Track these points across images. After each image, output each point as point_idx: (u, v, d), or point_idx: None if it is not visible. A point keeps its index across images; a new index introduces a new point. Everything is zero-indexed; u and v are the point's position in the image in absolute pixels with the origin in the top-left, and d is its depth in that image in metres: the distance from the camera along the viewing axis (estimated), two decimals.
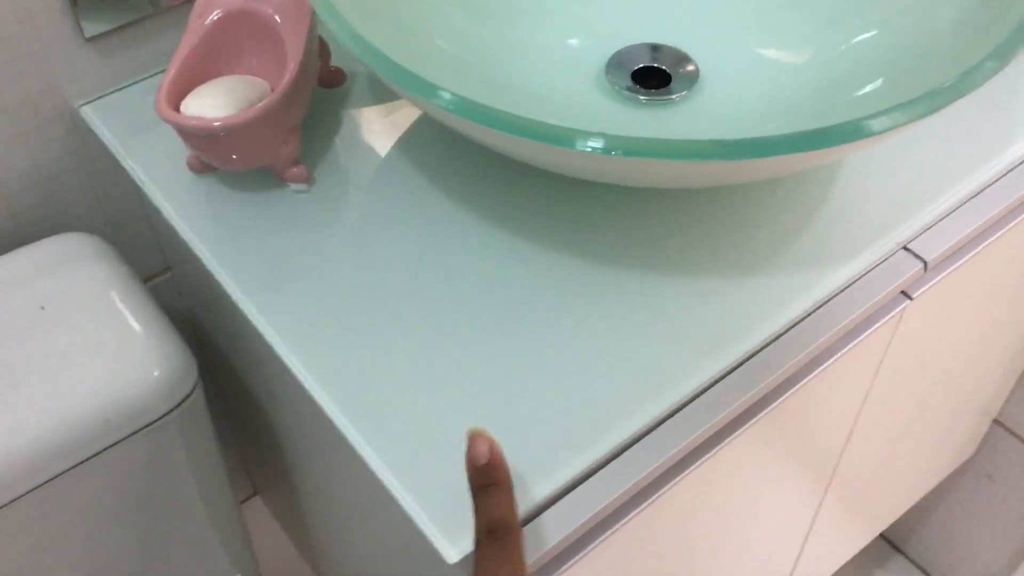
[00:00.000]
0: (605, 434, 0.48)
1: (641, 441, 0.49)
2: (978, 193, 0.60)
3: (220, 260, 0.56)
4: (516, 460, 0.47)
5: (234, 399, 0.81)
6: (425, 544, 0.45)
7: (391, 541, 0.55)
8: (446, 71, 0.56)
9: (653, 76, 0.63)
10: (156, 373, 0.58)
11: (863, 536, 0.96)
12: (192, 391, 0.59)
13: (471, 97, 0.45)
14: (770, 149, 0.44)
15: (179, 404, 0.58)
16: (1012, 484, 1.10)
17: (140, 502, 0.63)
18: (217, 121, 0.53)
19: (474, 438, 0.38)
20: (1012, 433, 1.06)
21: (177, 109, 0.54)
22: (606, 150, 0.43)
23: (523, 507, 0.46)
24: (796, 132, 0.44)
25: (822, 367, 0.56)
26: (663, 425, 0.49)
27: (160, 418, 0.58)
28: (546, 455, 0.47)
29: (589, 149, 0.43)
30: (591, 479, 0.48)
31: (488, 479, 0.36)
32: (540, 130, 0.44)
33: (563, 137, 0.43)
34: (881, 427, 0.75)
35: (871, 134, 0.44)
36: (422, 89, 0.46)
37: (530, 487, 0.46)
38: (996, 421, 1.06)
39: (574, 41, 0.65)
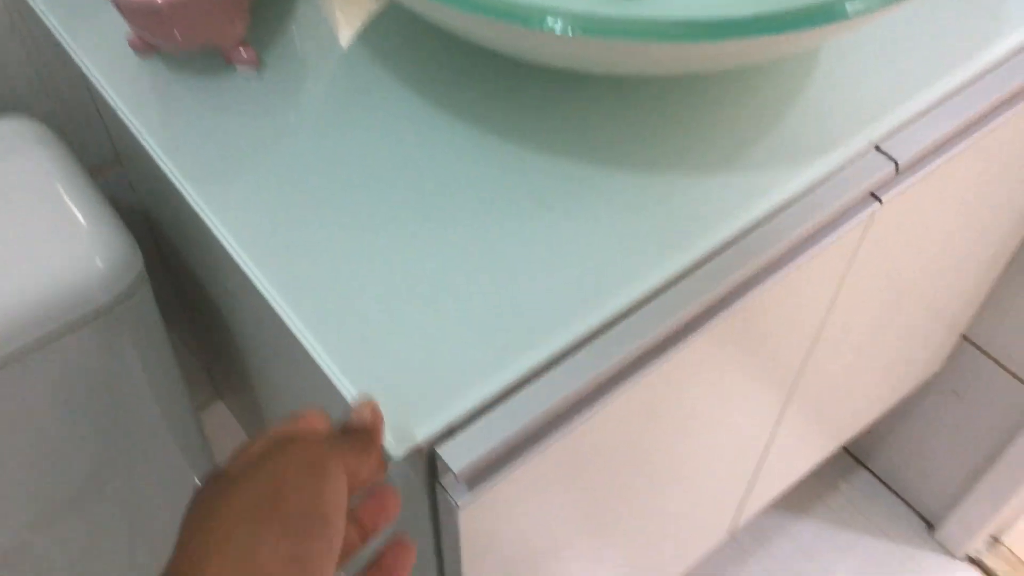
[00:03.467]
0: (561, 331, 0.47)
1: (597, 339, 0.47)
2: (955, 94, 0.58)
3: (164, 147, 0.53)
4: (473, 357, 0.45)
5: (192, 299, 0.79)
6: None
7: None
8: None
9: None
10: (98, 263, 0.56)
11: (825, 447, 0.97)
12: (136, 282, 0.57)
13: None
14: (739, 30, 0.41)
15: (123, 295, 0.57)
16: (978, 401, 1.10)
17: (89, 399, 0.62)
18: None
19: (364, 409, 0.40)
20: (980, 349, 1.06)
21: None
22: (568, 29, 0.40)
23: (478, 398, 0.44)
24: (768, 12, 0.41)
25: (786, 267, 0.55)
26: (619, 324, 0.48)
27: (103, 309, 0.56)
28: (500, 351, 0.46)
29: (555, 29, 0.40)
30: (547, 374, 0.46)
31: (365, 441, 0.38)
32: (505, 8, 0.41)
33: (528, 16, 0.41)
34: (847, 335, 0.74)
35: (846, 16, 0.42)
36: None
37: (483, 381, 0.45)
38: (964, 337, 1.06)
39: None
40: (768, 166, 0.53)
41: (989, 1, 0.62)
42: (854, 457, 1.30)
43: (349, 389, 0.44)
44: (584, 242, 0.50)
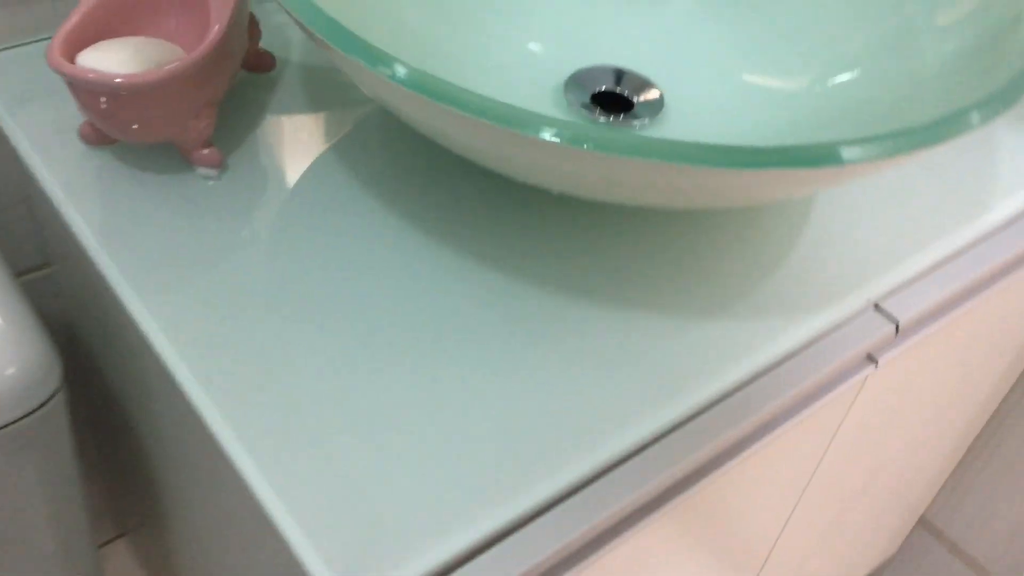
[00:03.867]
0: (524, 491, 0.41)
1: (564, 502, 0.42)
2: (959, 254, 0.55)
3: (105, 246, 0.47)
4: (427, 507, 0.39)
5: (106, 425, 0.71)
6: None
7: None
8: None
9: (614, 102, 0.58)
10: (11, 371, 0.49)
11: None
12: (52, 397, 0.50)
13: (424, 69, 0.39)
14: (749, 160, 0.38)
15: (35, 410, 0.49)
16: None
17: None
18: (119, 78, 0.45)
19: None
20: (935, 533, 1.02)
21: (73, 62, 0.46)
22: (576, 141, 0.36)
23: (441, 557, 0.38)
24: (775, 146, 0.38)
25: (775, 431, 0.51)
26: (588, 487, 0.42)
27: (10, 423, 0.49)
28: (465, 507, 0.40)
29: (557, 139, 0.37)
30: (503, 543, 0.40)
31: None
32: (504, 112, 0.37)
33: (530, 122, 0.37)
34: (818, 510, 0.70)
35: (846, 161, 0.39)
36: (373, 57, 0.39)
37: (447, 538, 0.38)
38: (922, 520, 1.02)
39: (535, 47, 0.59)
40: (763, 317, 0.49)
41: (997, 162, 0.61)
42: None
43: (296, 533, 0.38)
44: (560, 388, 0.45)
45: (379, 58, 0.39)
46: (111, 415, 0.68)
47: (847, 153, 0.39)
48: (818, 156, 0.39)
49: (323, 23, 0.40)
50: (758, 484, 0.55)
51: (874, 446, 0.68)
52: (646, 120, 0.57)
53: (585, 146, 0.36)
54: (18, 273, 0.67)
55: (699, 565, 0.59)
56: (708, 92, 0.58)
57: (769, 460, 0.53)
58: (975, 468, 0.94)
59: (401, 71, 0.39)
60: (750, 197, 0.42)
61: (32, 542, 0.57)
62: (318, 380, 0.43)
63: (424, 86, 0.38)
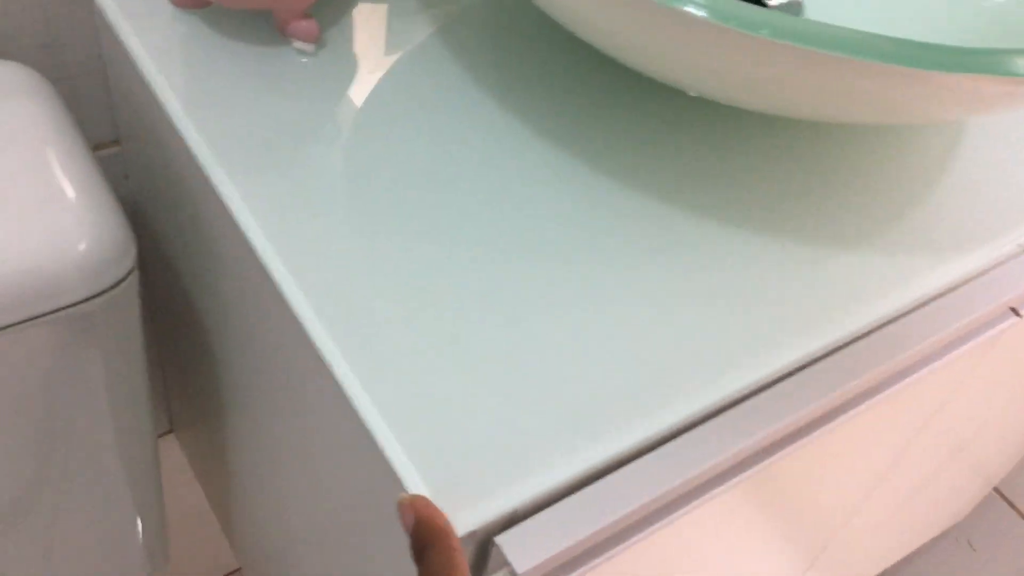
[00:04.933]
0: (654, 416, 0.37)
1: (679, 437, 0.38)
2: None
3: (193, 118, 0.43)
4: (530, 434, 0.35)
5: (167, 316, 0.68)
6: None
7: (351, 505, 0.43)
8: None
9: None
10: (82, 246, 0.45)
11: None
12: (125, 278, 0.47)
13: None
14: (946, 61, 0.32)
15: (106, 290, 0.46)
16: (991, 552, 1.01)
17: (38, 406, 0.50)
18: None
19: (399, 507, 0.32)
20: (1008, 501, 0.98)
21: None
22: (754, 27, 0.31)
23: (530, 493, 0.34)
24: (973, 48, 0.33)
25: (901, 381, 0.46)
26: (720, 415, 0.38)
27: (79, 302, 0.46)
28: (577, 432, 0.36)
29: (731, 24, 0.31)
30: (617, 473, 0.36)
31: (423, 541, 0.31)
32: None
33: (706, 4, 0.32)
34: (905, 473, 0.65)
35: None
36: None
37: (555, 464, 0.35)
38: (996, 489, 0.97)
39: None
40: (901, 255, 0.44)
41: None
42: None
43: (397, 452, 0.34)
44: (689, 311, 0.40)
45: None
46: (173, 306, 0.65)
47: None
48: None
49: None
50: (860, 441, 0.51)
51: (980, 410, 0.63)
52: None
53: (764, 32, 0.31)
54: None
55: (790, 511, 0.55)
56: (853, 4, 0.52)
57: (881, 416, 0.49)
58: None
59: None
60: (932, 111, 0.37)
61: (92, 430, 0.55)
62: (421, 284, 0.39)
63: None
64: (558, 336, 0.38)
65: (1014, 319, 0.48)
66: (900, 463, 0.61)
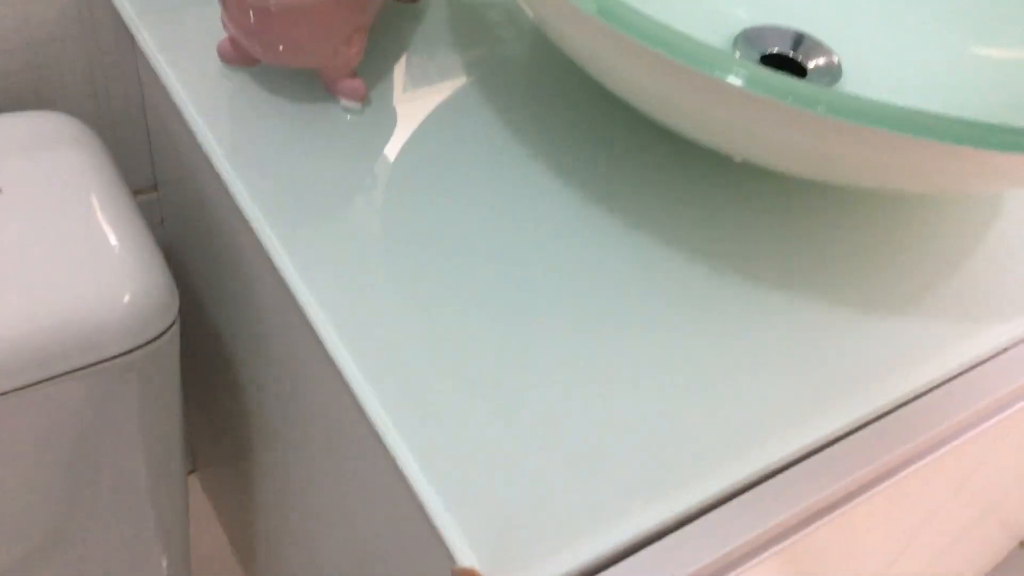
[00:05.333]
0: (700, 482, 0.37)
1: (721, 507, 0.38)
2: None
3: (239, 171, 0.44)
4: (577, 502, 0.35)
5: (197, 358, 0.68)
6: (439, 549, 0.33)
7: (389, 565, 0.43)
8: None
9: (784, 66, 0.53)
10: (127, 298, 0.46)
11: None
12: (167, 330, 0.47)
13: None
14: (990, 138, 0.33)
15: (149, 342, 0.46)
16: None
17: (74, 449, 0.51)
18: None
19: None
20: None
21: None
22: (811, 102, 0.32)
23: (594, 553, 0.34)
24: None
25: (928, 457, 0.46)
26: (768, 482, 0.38)
27: (121, 354, 0.46)
28: (624, 498, 0.36)
29: (792, 102, 0.32)
30: (661, 542, 0.36)
31: None
32: (703, 54, 0.33)
33: (759, 80, 0.32)
34: (938, 536, 0.65)
35: None
36: None
37: (603, 531, 0.35)
38: (1022, 543, 0.96)
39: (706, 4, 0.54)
40: (938, 324, 0.44)
41: None
42: None
43: (448, 524, 0.34)
44: (735, 377, 0.40)
45: None
46: (205, 350, 0.65)
47: None
48: None
49: None
50: (892, 510, 0.51)
51: (1010, 473, 0.63)
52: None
53: (820, 109, 0.31)
54: None
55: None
56: (900, 62, 0.52)
57: (916, 483, 0.49)
58: None
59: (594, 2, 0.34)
60: (984, 186, 0.37)
61: (125, 471, 0.55)
62: (469, 338, 0.39)
63: (623, 20, 0.34)
64: (609, 403, 0.38)
65: None
66: (930, 525, 0.61)
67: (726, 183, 0.48)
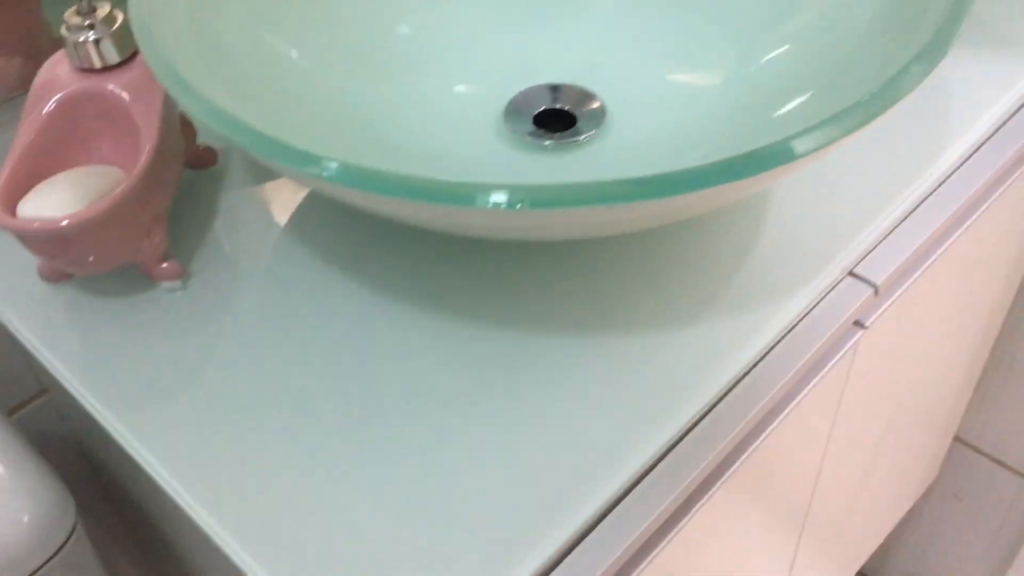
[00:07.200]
0: (550, 529, 0.41)
1: (595, 530, 0.42)
2: (917, 206, 0.55)
3: (85, 382, 0.48)
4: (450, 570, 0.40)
5: (137, 533, 0.72)
6: None
7: None
8: (324, 138, 0.50)
9: (557, 119, 0.58)
10: (25, 519, 0.49)
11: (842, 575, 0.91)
12: (70, 535, 0.51)
13: (356, 162, 0.39)
14: (693, 182, 0.38)
15: (56, 552, 0.50)
16: (979, 499, 1.06)
17: None
18: (64, 220, 0.45)
19: None
20: (974, 448, 1.02)
21: (14, 215, 0.47)
22: (511, 204, 0.36)
23: None
24: (718, 161, 0.38)
25: (783, 414, 0.51)
26: (619, 505, 0.43)
27: (37, 570, 0.50)
28: (491, 558, 0.40)
29: (492, 205, 0.37)
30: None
31: None
32: (435, 189, 0.37)
33: (462, 194, 0.37)
34: (847, 464, 0.70)
35: (800, 155, 0.39)
36: (298, 159, 0.39)
37: None
38: (956, 438, 1.02)
39: (462, 88, 0.59)
40: (744, 309, 0.50)
41: (933, 108, 0.61)
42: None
43: None
44: (562, 424, 0.45)
45: (308, 158, 0.39)
46: (138, 527, 0.69)
47: (800, 146, 0.39)
48: (771, 157, 0.38)
49: (244, 133, 0.41)
50: (784, 451, 0.56)
51: (887, 392, 0.68)
52: (592, 132, 0.57)
53: (519, 207, 0.36)
54: (17, 405, 0.68)
55: (749, 530, 0.59)
56: (645, 93, 0.58)
57: (788, 434, 0.54)
58: (996, 384, 0.94)
59: (332, 167, 0.39)
60: (701, 208, 0.42)
61: None
62: (308, 467, 0.43)
63: (354, 177, 0.38)
64: (461, 473, 0.43)
65: (860, 331, 0.53)
66: (828, 464, 0.66)
67: (513, 258, 0.53)
